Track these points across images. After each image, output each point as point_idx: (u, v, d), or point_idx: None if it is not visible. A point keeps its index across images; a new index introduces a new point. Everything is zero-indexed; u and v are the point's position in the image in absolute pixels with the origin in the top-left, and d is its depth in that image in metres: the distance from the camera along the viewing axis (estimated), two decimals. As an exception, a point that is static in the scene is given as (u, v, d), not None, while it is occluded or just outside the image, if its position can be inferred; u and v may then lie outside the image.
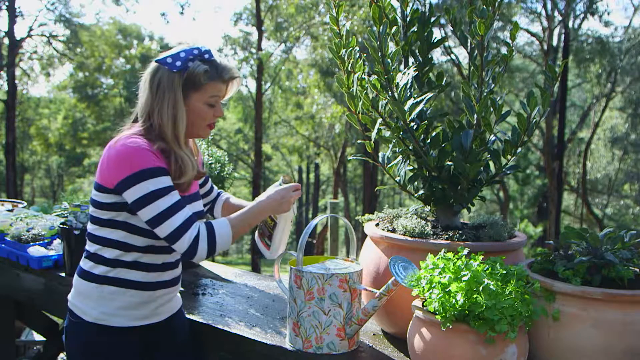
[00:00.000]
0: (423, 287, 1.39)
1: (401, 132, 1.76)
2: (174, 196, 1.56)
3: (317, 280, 1.55)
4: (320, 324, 1.56)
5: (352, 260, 1.72)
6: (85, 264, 1.69)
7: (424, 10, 1.88)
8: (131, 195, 1.53)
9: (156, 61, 1.66)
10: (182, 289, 2.26)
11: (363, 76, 1.80)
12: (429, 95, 1.78)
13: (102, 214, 1.63)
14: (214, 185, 2.14)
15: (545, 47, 17.49)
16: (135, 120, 1.71)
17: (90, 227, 1.68)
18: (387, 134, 1.83)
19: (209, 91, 1.66)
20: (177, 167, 1.62)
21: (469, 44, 1.74)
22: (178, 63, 1.63)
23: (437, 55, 17.92)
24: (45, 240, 2.61)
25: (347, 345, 1.60)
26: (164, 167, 1.57)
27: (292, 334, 1.62)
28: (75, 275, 1.73)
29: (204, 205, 2.09)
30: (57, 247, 2.53)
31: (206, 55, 1.66)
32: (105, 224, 1.63)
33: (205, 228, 1.58)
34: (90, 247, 1.68)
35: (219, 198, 2.11)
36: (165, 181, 1.55)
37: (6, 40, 18.58)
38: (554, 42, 17.65)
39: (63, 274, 2.37)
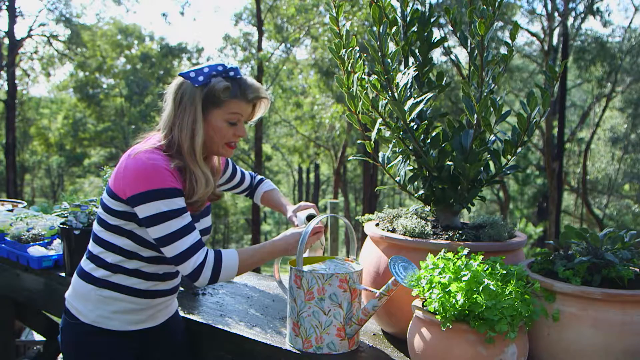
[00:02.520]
0: (423, 287, 1.39)
1: (401, 132, 1.76)
2: (185, 218, 1.55)
3: (317, 280, 1.55)
4: (320, 324, 1.56)
5: (352, 260, 1.72)
6: (86, 264, 1.69)
7: (424, 10, 1.88)
8: (143, 211, 1.53)
9: (180, 75, 1.65)
10: (182, 289, 2.26)
11: (363, 76, 1.80)
12: (429, 95, 1.78)
13: (110, 219, 1.62)
14: (252, 173, 2.17)
15: (545, 47, 17.49)
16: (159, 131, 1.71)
17: (97, 227, 1.68)
18: (387, 134, 1.83)
19: (230, 109, 1.64)
20: (191, 186, 1.61)
21: (469, 44, 1.74)
22: (200, 78, 1.61)
23: (437, 55, 17.94)
24: (45, 240, 2.61)
25: (347, 345, 1.60)
26: (179, 189, 1.56)
27: (292, 334, 1.62)
28: (75, 275, 1.73)
29: (241, 193, 2.16)
30: (57, 247, 2.53)
31: (231, 73, 1.64)
32: (111, 228, 1.63)
33: (213, 257, 1.57)
34: (93, 248, 1.68)
35: (260, 187, 2.14)
36: (178, 203, 1.54)
37: (6, 40, 18.58)
38: (554, 42, 17.65)
39: (63, 274, 2.37)
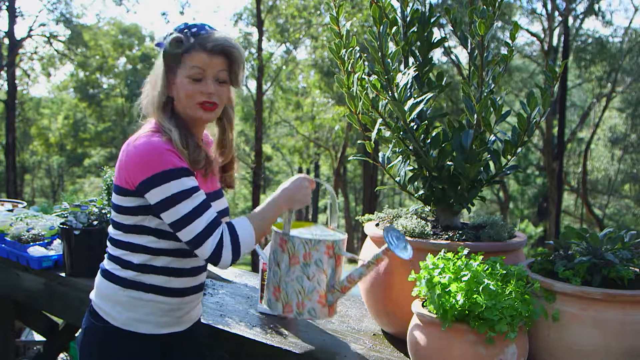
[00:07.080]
0: (423, 287, 1.39)
1: (401, 132, 1.76)
2: (197, 198, 1.46)
3: (304, 246, 1.52)
4: (303, 290, 1.53)
5: (333, 229, 1.69)
6: (111, 266, 1.59)
7: (424, 10, 1.87)
8: (154, 197, 1.45)
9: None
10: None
11: (363, 76, 1.80)
12: (429, 95, 1.78)
13: (126, 219, 1.53)
14: None
15: (545, 47, 17.49)
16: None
17: (114, 232, 1.59)
18: (387, 134, 1.83)
19: (189, 62, 1.51)
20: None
21: (469, 44, 1.74)
22: (162, 40, 1.54)
23: (437, 55, 17.95)
24: (45, 240, 2.60)
25: (328, 312, 1.57)
26: (186, 167, 1.49)
27: (272, 299, 1.58)
28: (99, 276, 1.63)
29: None
30: (57, 247, 2.53)
31: (193, 29, 1.52)
32: (130, 229, 1.54)
33: (229, 234, 1.48)
34: (114, 251, 1.59)
35: None
36: (188, 183, 1.46)
37: (6, 40, 18.59)
38: (554, 42, 17.65)
39: (63, 274, 2.37)
